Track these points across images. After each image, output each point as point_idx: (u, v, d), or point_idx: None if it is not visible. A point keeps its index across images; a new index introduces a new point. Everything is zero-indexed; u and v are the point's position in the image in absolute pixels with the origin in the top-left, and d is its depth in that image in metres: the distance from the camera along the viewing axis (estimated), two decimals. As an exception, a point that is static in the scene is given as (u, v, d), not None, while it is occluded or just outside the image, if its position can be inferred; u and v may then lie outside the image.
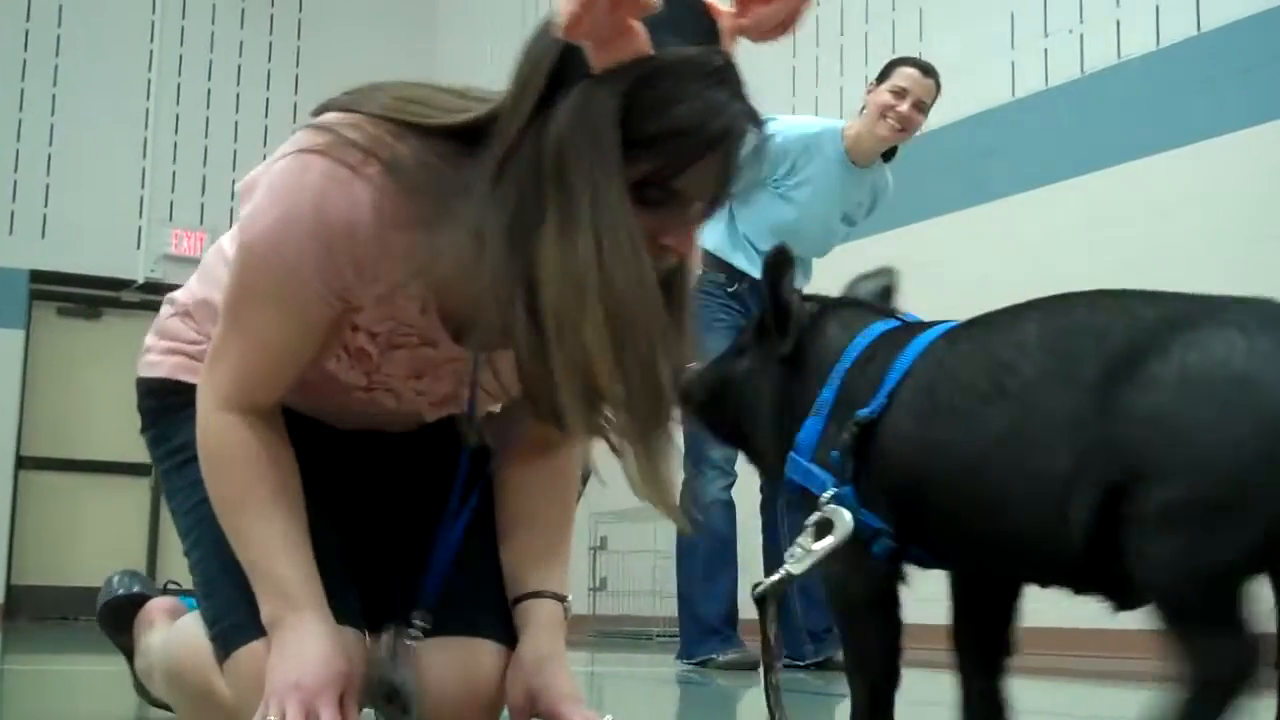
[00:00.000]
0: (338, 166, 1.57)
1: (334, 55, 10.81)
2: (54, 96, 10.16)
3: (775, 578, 1.32)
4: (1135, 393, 1.09)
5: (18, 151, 10.03)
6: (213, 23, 10.71)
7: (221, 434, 1.72)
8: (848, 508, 1.28)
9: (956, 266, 6.36)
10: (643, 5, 1.34)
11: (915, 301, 5.58)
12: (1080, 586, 1.21)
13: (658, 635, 7.23)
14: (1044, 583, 1.25)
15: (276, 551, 1.69)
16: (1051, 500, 1.14)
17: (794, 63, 7.80)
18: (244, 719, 1.65)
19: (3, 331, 9.79)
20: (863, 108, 4.66)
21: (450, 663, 1.80)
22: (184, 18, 10.63)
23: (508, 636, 1.84)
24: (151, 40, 10.50)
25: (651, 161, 1.43)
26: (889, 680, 1.35)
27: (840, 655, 4.41)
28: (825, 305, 1.48)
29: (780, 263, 1.43)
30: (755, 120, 1.47)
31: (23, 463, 9.89)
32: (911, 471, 1.27)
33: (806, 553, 1.29)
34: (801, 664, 4.50)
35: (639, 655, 5.82)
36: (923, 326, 1.38)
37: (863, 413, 1.29)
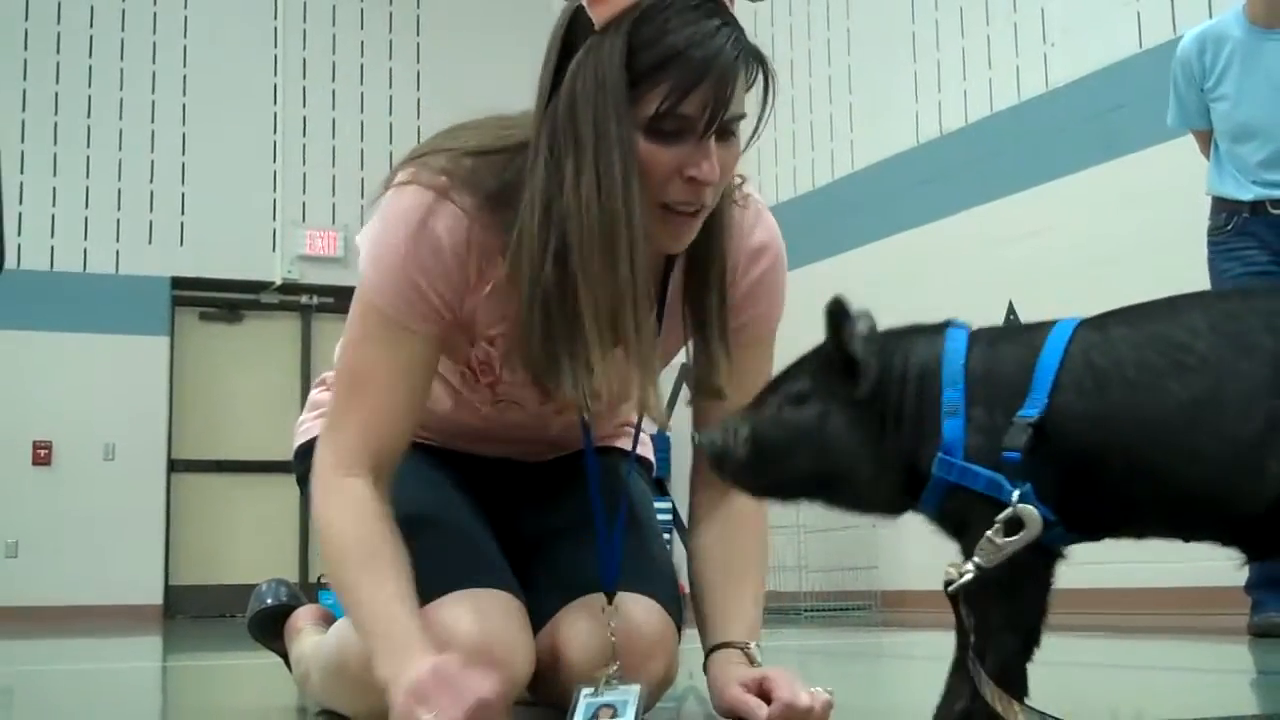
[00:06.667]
0: (424, 191, 1.71)
1: (454, 49, 10.91)
2: (184, 106, 10.39)
3: (968, 574, 1.34)
4: None
5: (153, 162, 10.28)
6: (333, 24, 10.88)
7: (335, 494, 1.74)
8: (1031, 504, 1.32)
9: (1093, 224, 6.25)
10: None
11: (1060, 260, 5.38)
12: (1245, 541, 1.31)
13: (806, 611, 7.22)
14: (1220, 540, 1.34)
15: (388, 606, 1.64)
16: (1247, 458, 1.25)
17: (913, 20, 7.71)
18: None
19: (148, 339, 10.06)
20: None
21: (630, 612, 1.82)
22: (305, 21, 10.80)
23: (671, 608, 1.89)
24: (275, 46, 10.69)
25: (658, 95, 1.58)
26: (1031, 639, 1.40)
27: None
28: (879, 335, 1.47)
29: (838, 311, 1.42)
30: (741, 41, 1.61)
31: (174, 466, 10.16)
32: (1086, 451, 1.32)
33: (997, 548, 1.32)
34: None
35: (794, 630, 5.81)
36: (1007, 328, 1.44)
37: (1029, 412, 1.32)
